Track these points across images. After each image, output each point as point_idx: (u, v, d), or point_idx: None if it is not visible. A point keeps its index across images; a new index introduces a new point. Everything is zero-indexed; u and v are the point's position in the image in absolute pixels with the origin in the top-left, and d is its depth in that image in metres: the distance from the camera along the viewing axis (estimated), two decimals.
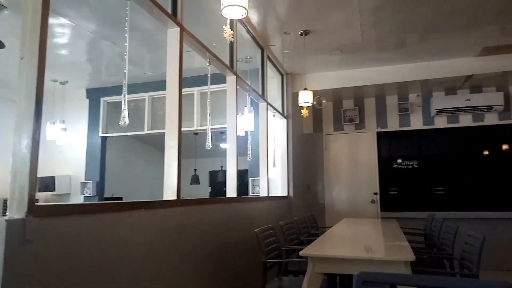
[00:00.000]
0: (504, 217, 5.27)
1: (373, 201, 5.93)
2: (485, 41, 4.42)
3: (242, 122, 4.29)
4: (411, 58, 4.97)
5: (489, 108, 5.39)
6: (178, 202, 2.41)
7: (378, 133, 6.02)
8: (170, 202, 2.36)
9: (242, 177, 6.18)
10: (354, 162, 6.12)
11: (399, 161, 5.95)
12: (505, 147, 5.57)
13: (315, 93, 4.83)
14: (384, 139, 6.03)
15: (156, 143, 7.86)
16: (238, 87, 3.68)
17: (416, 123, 5.85)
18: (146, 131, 5.87)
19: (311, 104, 4.30)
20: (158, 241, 2.15)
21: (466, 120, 5.63)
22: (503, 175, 5.51)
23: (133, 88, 5.53)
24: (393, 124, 5.95)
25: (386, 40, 4.42)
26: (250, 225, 3.48)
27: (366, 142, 6.09)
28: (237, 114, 3.65)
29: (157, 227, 2.16)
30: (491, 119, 5.53)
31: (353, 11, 3.68)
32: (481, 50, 4.67)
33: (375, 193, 5.93)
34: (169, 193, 2.42)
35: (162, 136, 2.64)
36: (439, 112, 5.58)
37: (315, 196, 6.21)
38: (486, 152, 5.64)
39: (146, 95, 5.82)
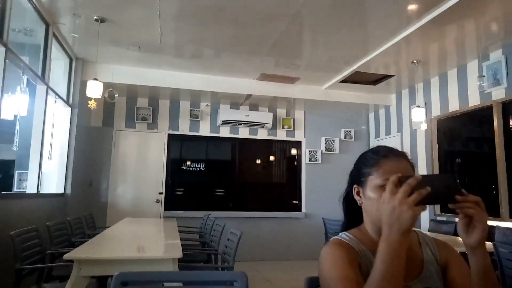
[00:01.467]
0: (266, 216, 6.33)
1: (157, 201, 6.04)
2: (262, 68, 5.25)
3: (12, 103, 3.62)
4: (205, 69, 5.39)
5: (261, 125, 6.41)
6: None
7: (169, 135, 6.21)
8: None
9: (7, 169, 5.20)
10: (143, 161, 6.09)
11: (188, 163, 6.31)
12: (272, 158, 6.72)
13: (107, 85, 4.58)
14: (175, 141, 6.27)
15: None
16: (7, 60, 3.09)
17: (205, 129, 6.35)
18: None
19: (101, 96, 4.04)
20: None
21: (244, 132, 6.50)
22: (269, 181, 6.65)
23: None
24: (184, 128, 6.27)
25: (184, 48, 4.64)
26: (7, 228, 2.95)
27: (156, 142, 6.17)
28: (2, 93, 3.06)
29: None
30: (262, 134, 6.58)
31: (154, 12, 3.70)
32: (259, 75, 5.53)
33: (161, 193, 6.07)
34: None
35: None
36: (224, 122, 6.24)
37: (98, 194, 5.84)
38: (258, 161, 6.67)
39: None
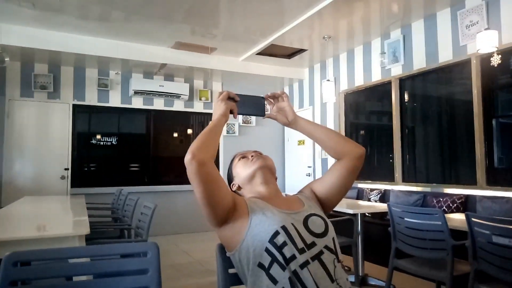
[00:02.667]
0: (183, 189, 6.22)
1: (63, 177, 5.57)
2: (177, 36, 5.03)
3: None
4: (114, 34, 4.97)
5: (178, 96, 6.20)
6: None
7: (74, 105, 5.68)
8: None
9: None
10: (44, 134, 5.51)
11: (98, 137, 5.87)
12: (189, 131, 6.59)
13: None
14: (81, 113, 5.77)
15: None
16: None
17: (115, 100, 5.94)
18: None
19: None
20: None
21: (159, 104, 6.24)
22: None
23: None
24: (91, 98, 5.79)
25: (89, 9, 4.20)
26: None
27: (59, 113, 5.61)
28: None
29: None
30: (179, 106, 6.38)
31: None
32: (174, 43, 5.29)
33: (66, 169, 5.59)
34: None
35: None
36: (137, 92, 5.90)
37: None
38: (175, 134, 6.49)
39: None
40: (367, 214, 4.29)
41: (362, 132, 5.69)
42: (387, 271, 2.71)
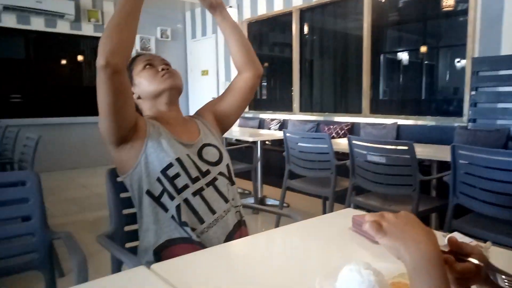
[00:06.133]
0: (77, 121, 5.64)
1: None
2: None
3: None
4: None
5: (61, 16, 5.38)
6: None
7: None
8: None
9: None
10: None
11: None
12: (80, 57, 5.90)
13: None
14: None
15: None
16: None
17: None
18: None
19: None
20: None
21: (38, 24, 5.36)
22: (79, 84, 5.88)
23: None
24: None
25: None
26: None
27: None
28: None
29: None
30: (63, 27, 5.57)
31: None
32: None
33: None
34: None
35: None
36: (7, 8, 4.95)
37: None
38: (63, 61, 5.76)
39: None
40: (267, 142, 4.52)
41: (266, 64, 5.76)
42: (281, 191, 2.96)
